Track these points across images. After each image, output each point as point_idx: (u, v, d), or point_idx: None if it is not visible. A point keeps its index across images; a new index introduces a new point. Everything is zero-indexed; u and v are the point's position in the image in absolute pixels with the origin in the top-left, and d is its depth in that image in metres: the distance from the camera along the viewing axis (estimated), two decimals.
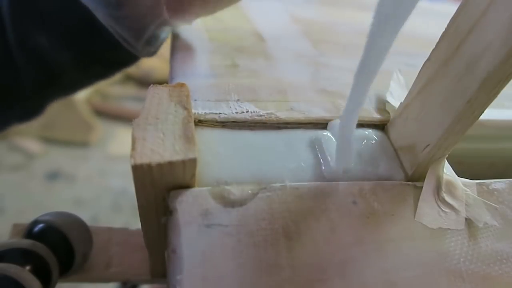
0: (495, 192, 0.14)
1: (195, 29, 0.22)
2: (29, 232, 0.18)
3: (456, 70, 0.11)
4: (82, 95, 1.59)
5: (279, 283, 0.11)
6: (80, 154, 1.64)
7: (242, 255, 0.11)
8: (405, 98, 0.14)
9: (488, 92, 0.11)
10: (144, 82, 1.99)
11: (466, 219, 0.13)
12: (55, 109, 1.23)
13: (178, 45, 0.20)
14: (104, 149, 1.69)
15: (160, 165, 0.11)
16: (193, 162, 0.11)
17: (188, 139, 0.11)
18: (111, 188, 1.51)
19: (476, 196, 0.14)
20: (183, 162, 0.11)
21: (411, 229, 0.12)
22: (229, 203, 0.11)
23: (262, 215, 0.12)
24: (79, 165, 1.58)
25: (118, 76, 1.98)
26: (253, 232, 0.11)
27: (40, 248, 0.17)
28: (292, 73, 0.18)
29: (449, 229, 0.13)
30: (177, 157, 0.11)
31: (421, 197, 0.13)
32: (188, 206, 0.12)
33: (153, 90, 0.13)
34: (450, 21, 0.12)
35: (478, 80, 0.11)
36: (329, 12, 0.29)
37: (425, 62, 0.13)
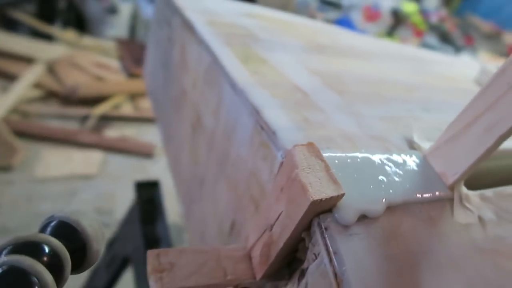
0: (488, 198, 0.23)
1: (251, 83, 0.28)
2: (44, 227, 0.19)
3: (478, 129, 0.20)
4: None
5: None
6: (3, 179, 1.52)
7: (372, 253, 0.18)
8: (436, 141, 0.22)
9: (497, 146, 0.19)
10: (68, 99, 1.90)
11: (478, 216, 0.22)
12: None
13: None
14: (29, 172, 1.59)
15: (328, 199, 0.17)
16: (342, 195, 0.18)
17: (335, 181, 0.18)
18: (41, 214, 1.43)
19: (480, 201, 0.22)
20: (338, 196, 0.18)
21: (456, 226, 0.20)
22: (361, 219, 0.18)
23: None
24: (3, 191, 1.47)
25: (39, 93, 1.85)
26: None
27: (54, 243, 0.17)
28: (344, 123, 0.25)
29: (471, 223, 0.21)
30: (334, 193, 0.18)
31: (454, 206, 0.21)
32: (335, 223, 0.18)
33: (297, 148, 0.19)
34: (473, 99, 0.20)
35: (495, 139, 0.19)
36: (329, 61, 0.37)
37: (451, 123, 0.21)
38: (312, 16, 2.03)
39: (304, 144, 0.20)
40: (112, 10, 2.05)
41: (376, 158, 0.22)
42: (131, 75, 2.13)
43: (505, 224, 0.22)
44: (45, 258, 0.17)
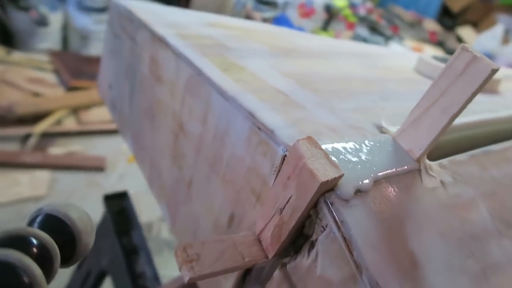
0: (445, 166, 0.29)
1: (241, 91, 0.31)
2: (33, 220, 0.18)
3: (436, 111, 0.25)
4: None
5: None
6: None
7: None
8: (401, 127, 0.27)
9: (450, 123, 0.25)
10: (5, 120, 1.79)
11: (440, 180, 0.27)
12: None
13: None
14: None
15: (332, 180, 0.22)
16: (342, 176, 0.22)
17: (335, 165, 0.22)
18: None
19: (440, 169, 0.28)
20: (339, 177, 0.22)
21: (425, 190, 0.26)
22: (357, 193, 0.23)
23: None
24: None
25: None
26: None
27: (43, 236, 0.17)
28: (325, 117, 0.30)
29: (435, 186, 0.27)
30: (336, 175, 0.22)
31: (422, 174, 0.27)
32: (338, 199, 0.23)
33: (300, 142, 0.23)
34: (429, 88, 0.25)
35: (448, 118, 0.24)
36: (295, 63, 0.41)
37: (413, 109, 0.27)
38: (249, 16, 2.09)
39: (304, 138, 0.24)
40: (42, 22, 1.95)
41: (358, 143, 0.27)
42: (71, 88, 2.05)
43: (460, 184, 0.28)
44: (33, 252, 0.16)
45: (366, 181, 0.24)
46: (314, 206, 0.24)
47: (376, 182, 0.24)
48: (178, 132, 0.42)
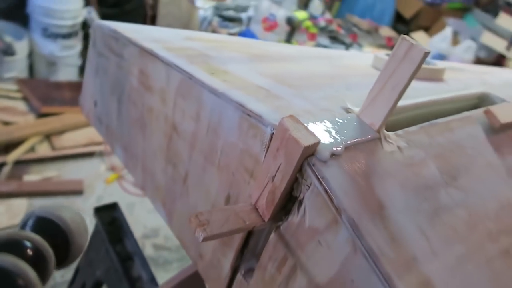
0: (400, 135, 0.35)
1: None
2: (25, 224, 0.18)
3: (387, 90, 0.32)
4: None
5: None
6: None
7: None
8: (362, 106, 0.34)
9: (400, 98, 0.32)
10: None
11: (397, 146, 0.34)
12: None
13: None
14: None
15: (312, 145, 0.28)
16: (319, 142, 0.28)
17: (313, 134, 0.29)
18: None
19: (396, 137, 0.35)
20: (317, 143, 0.28)
21: (385, 153, 0.32)
22: (332, 156, 0.29)
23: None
24: None
25: None
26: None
27: (35, 238, 0.16)
28: (301, 105, 0.36)
29: (393, 150, 0.33)
30: (315, 141, 0.28)
31: (382, 142, 0.33)
32: (318, 161, 0.29)
33: (285, 119, 0.29)
34: (380, 73, 0.32)
35: (397, 94, 0.31)
36: (270, 66, 0.48)
37: (370, 90, 0.33)
38: (215, 32, 2.17)
39: (287, 116, 0.30)
40: (8, 52, 1.95)
41: (330, 121, 0.33)
42: (42, 114, 2.04)
43: (413, 148, 0.35)
44: (27, 255, 0.16)
45: (339, 147, 0.30)
46: (299, 170, 0.30)
47: (347, 148, 0.31)
48: (172, 133, 0.48)
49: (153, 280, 0.73)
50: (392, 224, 0.28)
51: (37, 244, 0.17)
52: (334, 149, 0.30)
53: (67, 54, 2.31)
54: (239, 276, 0.42)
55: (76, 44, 2.37)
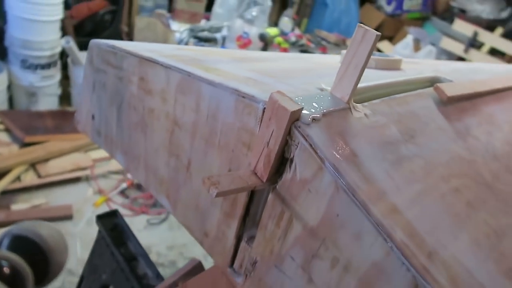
0: (366, 105, 0.44)
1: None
2: (1, 243, 0.17)
3: (351, 69, 0.40)
4: None
5: None
6: None
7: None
8: (333, 84, 0.42)
9: (362, 74, 0.40)
10: None
11: (364, 113, 0.42)
12: None
13: None
14: None
15: (296, 110, 0.36)
16: (302, 108, 0.36)
17: (297, 103, 0.37)
18: None
19: (362, 107, 0.43)
20: (300, 109, 0.36)
21: (354, 119, 0.41)
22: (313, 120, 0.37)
23: None
24: None
25: None
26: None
27: (11, 258, 0.15)
28: (285, 87, 0.44)
29: (361, 117, 0.42)
30: (299, 107, 0.36)
31: (352, 110, 0.41)
32: (302, 123, 0.37)
33: (274, 93, 0.37)
34: (345, 55, 0.41)
35: (359, 71, 0.40)
36: (254, 65, 0.56)
37: (338, 70, 0.42)
38: None
39: (275, 91, 0.38)
40: None
41: (310, 96, 0.41)
42: (25, 144, 2.06)
43: (377, 115, 0.43)
44: (3, 274, 0.16)
45: (318, 114, 0.38)
46: (288, 133, 0.38)
47: (324, 114, 0.39)
48: (173, 128, 0.55)
49: (158, 276, 0.78)
50: (364, 168, 0.36)
51: (13, 262, 0.16)
52: (314, 115, 0.38)
53: (46, 84, 2.35)
54: (243, 243, 0.48)
55: (56, 74, 2.41)
